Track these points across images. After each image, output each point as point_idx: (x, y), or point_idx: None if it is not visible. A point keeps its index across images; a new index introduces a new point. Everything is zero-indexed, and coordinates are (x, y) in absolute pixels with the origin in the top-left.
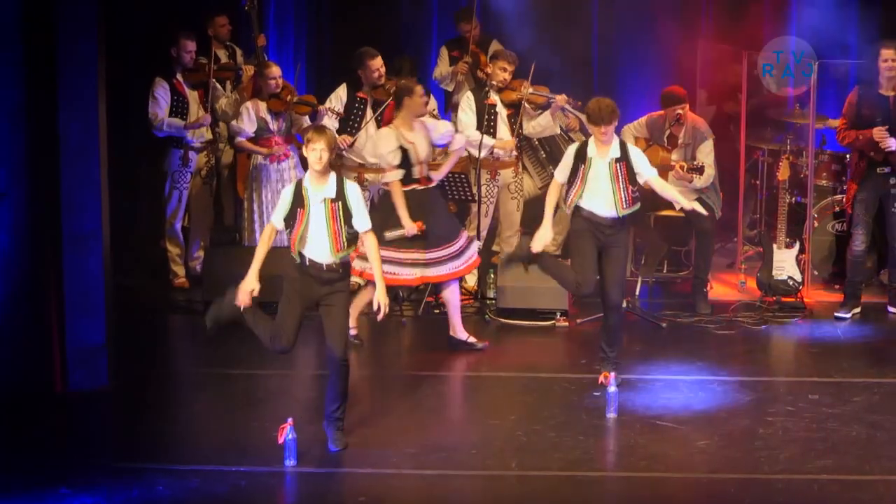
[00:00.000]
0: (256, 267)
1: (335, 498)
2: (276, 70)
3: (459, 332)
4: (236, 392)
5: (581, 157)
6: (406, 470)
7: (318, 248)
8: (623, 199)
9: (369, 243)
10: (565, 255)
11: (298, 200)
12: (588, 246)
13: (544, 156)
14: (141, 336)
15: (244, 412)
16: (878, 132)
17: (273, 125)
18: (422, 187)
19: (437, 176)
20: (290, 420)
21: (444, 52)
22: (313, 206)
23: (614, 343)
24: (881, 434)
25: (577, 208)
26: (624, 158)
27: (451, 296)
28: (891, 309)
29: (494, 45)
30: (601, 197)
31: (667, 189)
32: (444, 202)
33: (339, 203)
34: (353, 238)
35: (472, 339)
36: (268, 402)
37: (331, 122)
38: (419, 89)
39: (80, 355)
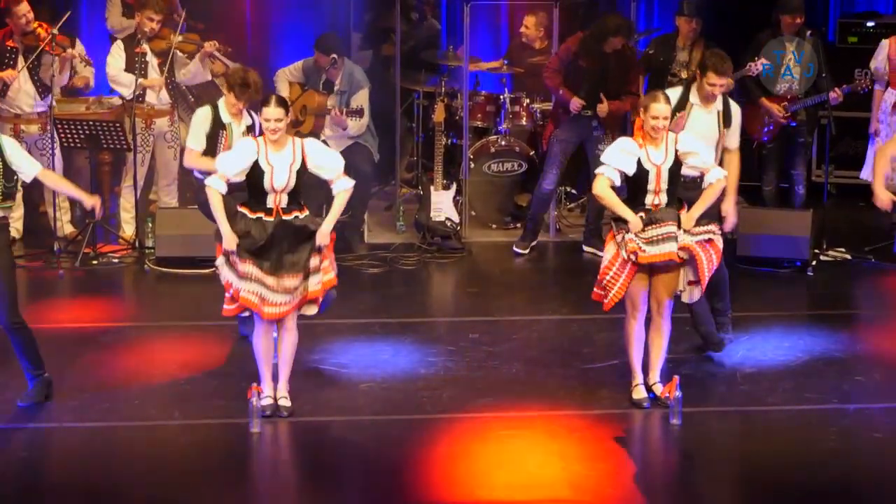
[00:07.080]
0: None
1: None
2: None
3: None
4: None
5: (219, 123)
6: (68, 423)
7: None
8: None
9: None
10: None
11: None
12: None
13: (192, 100)
14: None
15: None
16: (576, 105)
17: None
18: None
19: None
20: None
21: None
22: None
23: None
24: (540, 370)
25: None
26: (253, 128)
27: None
28: (586, 248)
29: None
30: None
31: None
32: None
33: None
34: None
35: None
36: None
37: None
38: None
39: None
